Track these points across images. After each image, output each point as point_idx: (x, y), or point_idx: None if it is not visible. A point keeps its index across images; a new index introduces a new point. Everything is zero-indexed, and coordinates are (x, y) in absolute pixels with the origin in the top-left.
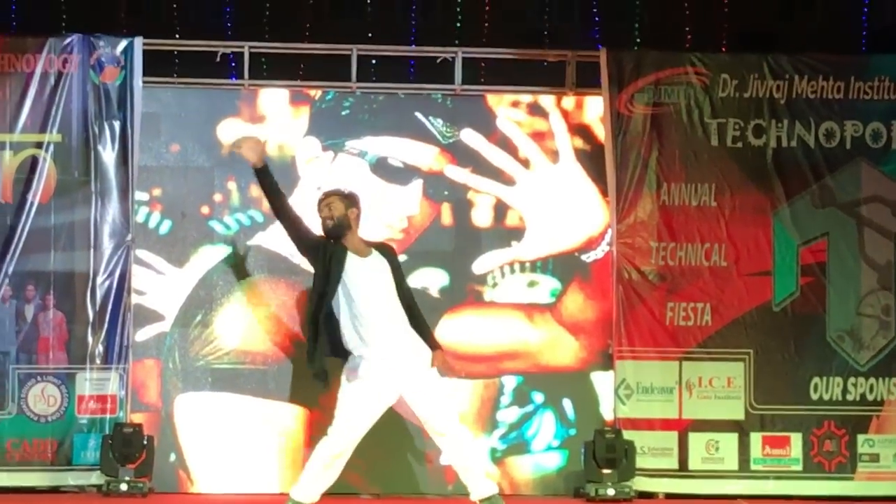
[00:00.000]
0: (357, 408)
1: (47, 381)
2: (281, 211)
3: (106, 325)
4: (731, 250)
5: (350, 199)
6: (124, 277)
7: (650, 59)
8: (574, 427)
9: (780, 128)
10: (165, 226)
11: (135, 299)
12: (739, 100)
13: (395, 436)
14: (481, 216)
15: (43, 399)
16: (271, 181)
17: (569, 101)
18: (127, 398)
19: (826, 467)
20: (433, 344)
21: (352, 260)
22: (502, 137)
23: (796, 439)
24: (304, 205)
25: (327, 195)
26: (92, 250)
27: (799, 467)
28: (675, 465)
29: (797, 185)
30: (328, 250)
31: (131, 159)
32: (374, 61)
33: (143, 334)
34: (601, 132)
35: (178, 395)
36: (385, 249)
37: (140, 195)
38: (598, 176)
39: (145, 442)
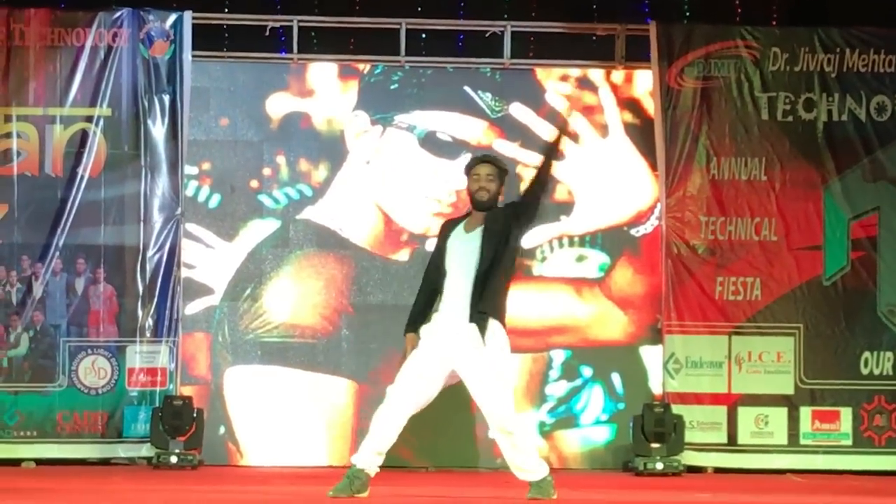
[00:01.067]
0: (410, 369)
1: (98, 353)
2: None
3: (156, 299)
4: (781, 224)
5: (504, 177)
6: (174, 251)
7: (700, 33)
8: (623, 401)
9: (830, 101)
10: (215, 199)
11: (184, 273)
12: (790, 73)
13: (443, 410)
14: None
15: (93, 372)
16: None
17: (618, 75)
18: (177, 371)
19: (876, 442)
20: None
21: (457, 234)
22: (551, 111)
23: (846, 414)
24: (353, 180)
25: (492, 164)
26: (142, 224)
27: (849, 442)
28: (724, 440)
29: (848, 159)
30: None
31: (181, 133)
32: (423, 35)
33: (192, 308)
34: (650, 106)
35: (228, 369)
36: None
37: (189, 169)
38: (647, 150)
39: (195, 415)
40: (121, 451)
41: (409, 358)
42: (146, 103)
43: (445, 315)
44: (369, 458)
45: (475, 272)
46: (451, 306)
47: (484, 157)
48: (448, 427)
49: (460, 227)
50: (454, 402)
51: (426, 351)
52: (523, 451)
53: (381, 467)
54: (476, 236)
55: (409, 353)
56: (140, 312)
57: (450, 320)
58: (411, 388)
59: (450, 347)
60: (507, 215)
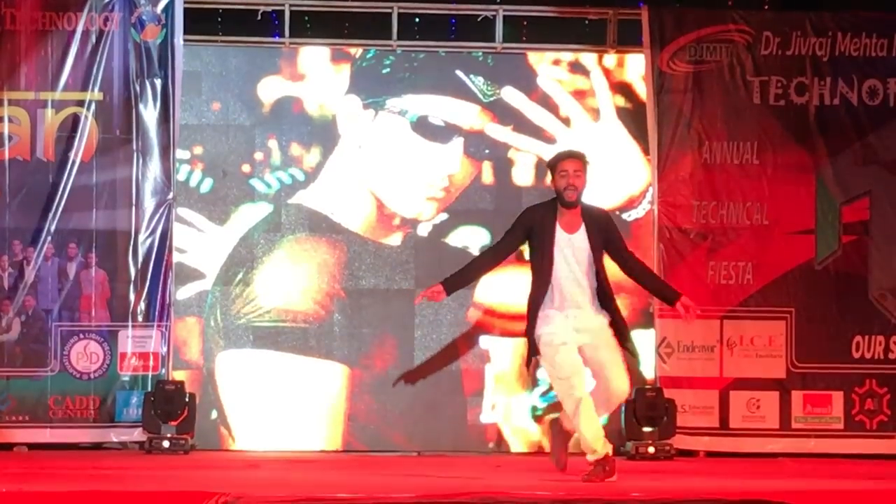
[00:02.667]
0: (559, 361)
1: (90, 338)
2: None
3: (148, 283)
4: (772, 209)
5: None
6: (166, 235)
7: (692, 17)
8: None
9: (822, 85)
10: (207, 184)
11: (176, 257)
12: (782, 57)
13: (435, 395)
14: (522, 174)
15: (85, 356)
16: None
17: (610, 59)
18: (169, 356)
19: (867, 426)
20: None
21: (560, 236)
22: (543, 95)
23: (837, 398)
24: (345, 165)
25: (579, 160)
26: (134, 208)
27: (840, 426)
28: (716, 424)
29: (840, 143)
30: (537, 229)
31: (172, 117)
32: (415, 19)
33: (184, 292)
34: (643, 90)
35: (220, 353)
36: (593, 216)
37: (181, 153)
38: (639, 134)
39: (187, 399)
40: (113, 435)
41: (562, 356)
42: (138, 88)
43: (569, 310)
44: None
45: (588, 270)
46: (572, 302)
47: (570, 153)
48: (439, 412)
49: (559, 228)
50: (446, 387)
51: (570, 345)
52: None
53: (373, 452)
54: (582, 237)
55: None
56: (132, 297)
57: (571, 319)
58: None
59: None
60: (606, 230)
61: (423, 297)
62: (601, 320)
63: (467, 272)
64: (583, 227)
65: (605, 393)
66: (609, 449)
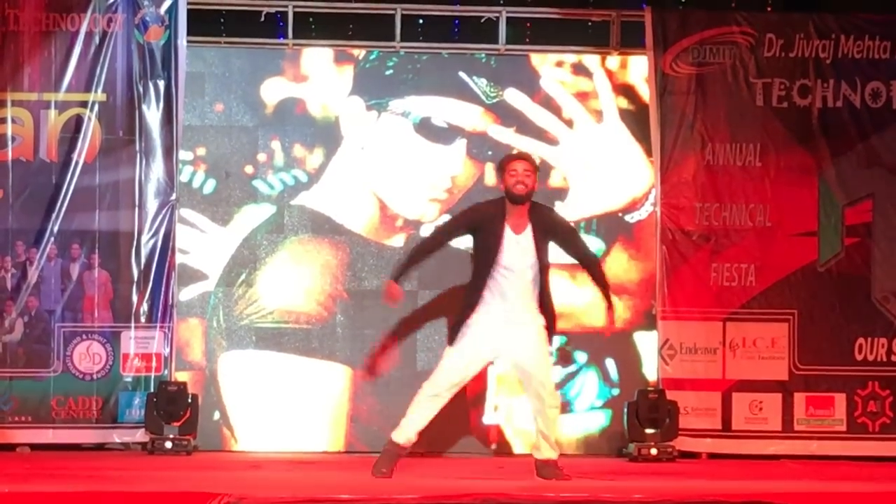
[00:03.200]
0: (454, 360)
1: (92, 339)
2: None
3: (150, 284)
4: (775, 211)
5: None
6: (169, 236)
7: (695, 19)
8: (617, 387)
9: (825, 88)
10: (209, 185)
11: (179, 258)
12: (785, 59)
13: None
14: None
15: (88, 357)
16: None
17: (613, 61)
18: (171, 356)
19: (870, 428)
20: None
21: (508, 238)
22: (546, 97)
23: (840, 400)
24: (348, 166)
25: (528, 161)
26: (137, 209)
27: (843, 428)
28: (719, 426)
29: (843, 145)
30: (485, 226)
31: (175, 119)
32: (418, 20)
33: (187, 293)
34: (646, 92)
35: (223, 354)
36: (540, 217)
37: (184, 154)
38: (642, 136)
39: (190, 400)
40: (115, 436)
41: (455, 351)
42: (141, 89)
43: (498, 308)
44: (409, 437)
45: (531, 271)
46: (506, 300)
47: (521, 154)
48: (442, 413)
49: (507, 228)
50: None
51: (472, 350)
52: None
53: (374, 453)
54: (528, 238)
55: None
56: (135, 298)
57: (507, 314)
58: (454, 379)
59: (505, 338)
60: (554, 229)
61: (390, 300)
62: (537, 323)
63: (410, 262)
64: (529, 228)
65: (534, 400)
66: (405, 442)
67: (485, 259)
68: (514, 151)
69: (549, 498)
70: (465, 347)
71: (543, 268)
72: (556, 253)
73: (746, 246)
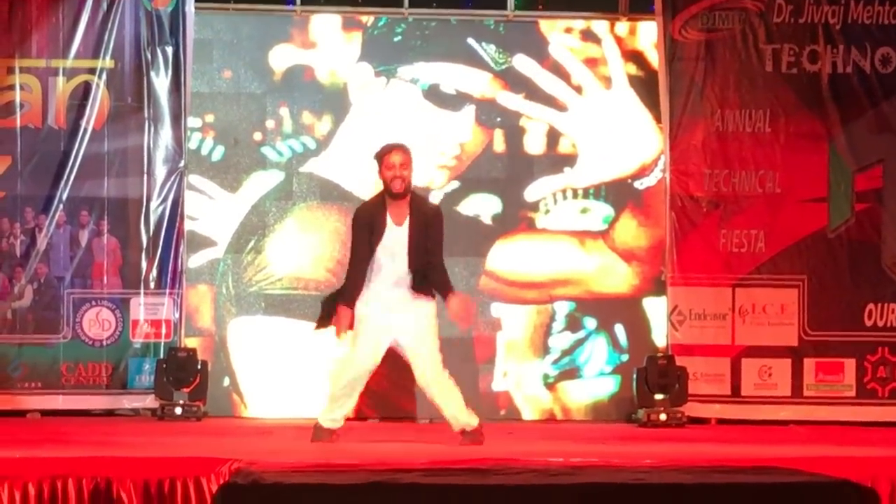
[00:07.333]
0: (359, 349)
1: (102, 305)
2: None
3: (159, 251)
4: (785, 177)
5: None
6: (177, 203)
7: None
8: (626, 353)
9: (835, 53)
10: (218, 152)
11: (188, 225)
12: (794, 25)
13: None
14: (534, 143)
15: (97, 324)
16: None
17: (622, 27)
18: (181, 323)
19: (879, 393)
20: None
21: (389, 228)
22: (555, 64)
23: (850, 365)
24: (357, 133)
25: (405, 153)
26: (145, 176)
27: (852, 393)
28: (728, 391)
29: (853, 111)
30: (373, 220)
31: (184, 86)
32: None
33: (196, 260)
34: (655, 58)
35: (232, 321)
36: (421, 211)
37: (193, 121)
38: (651, 102)
39: (199, 366)
40: (125, 402)
41: (360, 332)
42: (149, 55)
43: (387, 294)
44: (336, 420)
45: (410, 260)
46: (389, 287)
47: (395, 145)
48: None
49: (389, 220)
50: (458, 355)
51: (372, 338)
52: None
53: (386, 419)
54: (404, 231)
55: (343, 327)
56: (144, 264)
57: (394, 297)
58: (369, 360)
59: (395, 323)
60: (429, 226)
61: (342, 333)
62: (424, 307)
63: (353, 287)
64: (408, 220)
65: (432, 386)
66: (334, 427)
67: (369, 249)
68: (390, 142)
69: (559, 464)
70: (365, 340)
71: (428, 252)
72: (563, 220)
73: (756, 212)
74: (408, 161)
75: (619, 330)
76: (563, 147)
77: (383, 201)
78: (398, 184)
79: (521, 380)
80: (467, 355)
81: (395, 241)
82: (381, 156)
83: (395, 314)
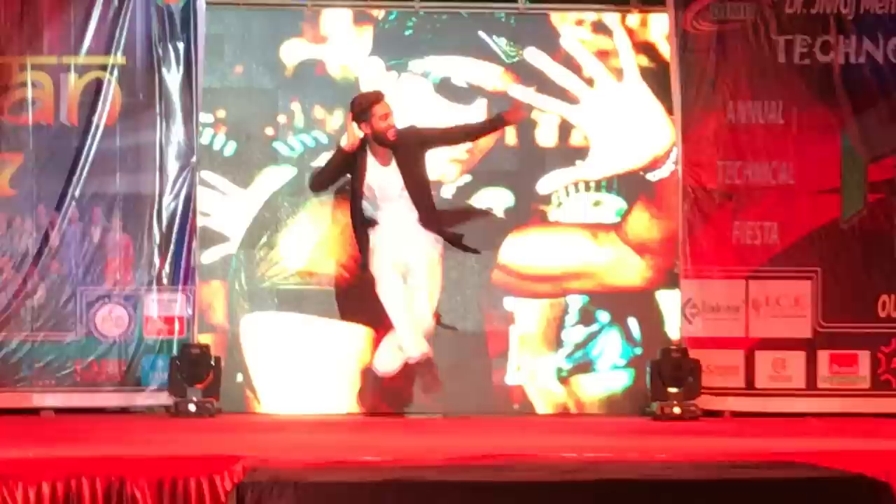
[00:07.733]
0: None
1: (115, 302)
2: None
3: (172, 247)
4: (797, 168)
5: None
6: (189, 199)
7: None
8: (640, 346)
9: (847, 44)
10: (230, 147)
11: (200, 221)
12: (807, 16)
13: (458, 356)
14: (545, 135)
15: (111, 320)
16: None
17: (633, 19)
18: (194, 319)
19: (894, 385)
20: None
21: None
22: (566, 56)
23: (864, 357)
24: None
25: (386, 101)
26: (157, 172)
27: (866, 385)
28: (742, 384)
29: (865, 101)
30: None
31: (195, 81)
32: None
33: (208, 256)
34: (666, 50)
35: (245, 316)
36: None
37: (204, 117)
38: (663, 94)
39: (213, 363)
40: (139, 399)
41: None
42: (160, 51)
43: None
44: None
45: (409, 194)
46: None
47: (375, 94)
48: (464, 374)
49: (372, 160)
50: (471, 349)
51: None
52: None
53: (399, 414)
54: (394, 169)
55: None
56: (156, 261)
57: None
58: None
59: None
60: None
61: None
62: (427, 243)
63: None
64: (394, 161)
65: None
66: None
67: (359, 196)
68: (366, 91)
69: (573, 458)
70: (386, 279)
71: (418, 187)
72: (576, 213)
73: (769, 204)
74: (390, 108)
75: (633, 323)
76: (575, 140)
77: (365, 148)
78: (393, 132)
79: (535, 373)
80: (480, 349)
81: (380, 180)
82: (367, 108)
83: (399, 251)
